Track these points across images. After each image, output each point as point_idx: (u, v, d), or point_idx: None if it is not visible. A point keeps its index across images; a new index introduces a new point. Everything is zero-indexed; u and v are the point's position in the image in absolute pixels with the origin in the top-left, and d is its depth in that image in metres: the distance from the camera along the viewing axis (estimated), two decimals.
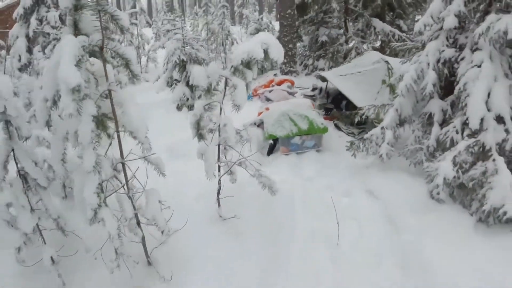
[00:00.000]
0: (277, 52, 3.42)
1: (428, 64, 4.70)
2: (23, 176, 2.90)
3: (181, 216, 3.54)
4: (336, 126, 6.96)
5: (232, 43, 11.21)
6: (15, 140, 2.78)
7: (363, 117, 5.88)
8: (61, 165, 2.67)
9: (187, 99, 7.04)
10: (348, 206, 4.43)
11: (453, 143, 4.19)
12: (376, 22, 8.65)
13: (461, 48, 4.57)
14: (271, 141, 6.11)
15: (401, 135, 5.27)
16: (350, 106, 6.97)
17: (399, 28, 8.85)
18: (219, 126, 3.52)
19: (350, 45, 8.74)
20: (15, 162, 2.87)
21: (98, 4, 2.19)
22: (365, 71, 6.80)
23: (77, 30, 2.39)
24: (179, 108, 7.36)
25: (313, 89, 8.43)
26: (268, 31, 8.83)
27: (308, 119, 5.98)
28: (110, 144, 2.60)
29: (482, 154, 3.89)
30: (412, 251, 3.53)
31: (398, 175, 4.79)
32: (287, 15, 8.81)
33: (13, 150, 2.78)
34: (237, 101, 3.32)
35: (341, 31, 9.01)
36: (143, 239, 3.17)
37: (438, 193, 4.05)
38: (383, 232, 3.97)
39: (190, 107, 7.03)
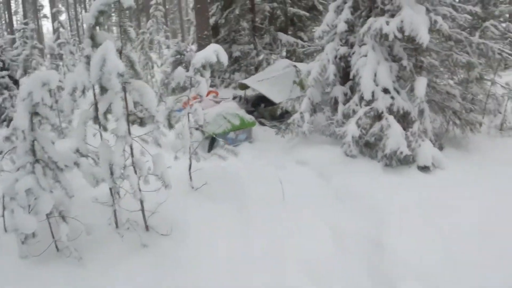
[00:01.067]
0: (224, 57, 4.53)
1: (329, 60, 6.18)
2: (44, 161, 3.52)
3: (161, 193, 4.35)
4: (261, 123, 8.20)
5: (152, 67, 12.06)
6: (37, 130, 3.43)
7: (283, 109, 7.27)
8: (83, 143, 3.45)
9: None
10: (285, 174, 5.53)
11: (355, 113, 5.64)
12: (281, 35, 10.26)
13: (351, 45, 6.12)
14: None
15: (314, 121, 6.69)
16: (268, 106, 8.35)
17: (301, 39, 10.54)
18: (188, 113, 4.51)
19: (260, 57, 10.19)
20: (33, 151, 3.46)
21: (120, 21, 3.11)
22: (278, 75, 8.21)
23: (94, 41, 3.27)
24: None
25: (234, 98, 9.64)
26: (187, 52, 9.91)
27: (238, 116, 7.13)
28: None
29: (377, 116, 5.39)
30: (342, 189, 4.78)
31: (319, 147, 6.13)
32: (204, 36, 9.99)
33: (34, 139, 3.42)
34: (201, 92, 4.38)
35: (252, 46, 10.46)
36: (142, 204, 3.97)
37: (350, 150, 5.45)
38: (316, 183, 5.20)
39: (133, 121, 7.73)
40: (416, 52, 5.69)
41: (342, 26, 5.96)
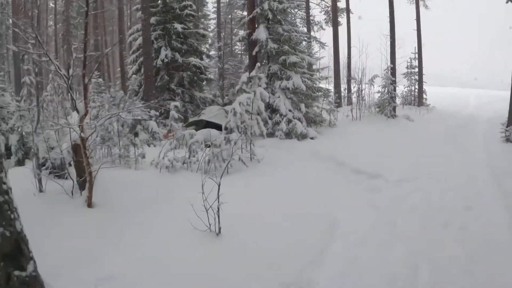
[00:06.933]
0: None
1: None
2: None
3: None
4: None
5: None
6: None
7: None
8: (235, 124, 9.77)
9: None
10: (261, 151, 12.45)
11: (279, 122, 13.06)
12: (195, 92, 17.10)
13: (272, 93, 13.62)
14: None
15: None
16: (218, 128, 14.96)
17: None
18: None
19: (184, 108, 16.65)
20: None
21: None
22: (218, 114, 14.97)
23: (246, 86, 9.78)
24: None
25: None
26: None
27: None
28: None
29: (289, 121, 12.95)
30: (288, 150, 12.05)
31: (265, 139, 13.22)
32: (151, 95, 15.86)
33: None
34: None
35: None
36: (251, 144, 10.33)
37: (282, 136, 12.79)
38: (276, 151, 12.28)
39: None
40: (298, 94, 13.64)
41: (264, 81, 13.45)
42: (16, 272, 3.51)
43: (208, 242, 5.06)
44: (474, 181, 8.41)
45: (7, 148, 10.28)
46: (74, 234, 5.34)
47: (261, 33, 13.43)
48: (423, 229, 5.96)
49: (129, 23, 33.25)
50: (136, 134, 13.34)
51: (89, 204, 6.19)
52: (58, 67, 5.38)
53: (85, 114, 5.90)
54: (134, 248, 4.96)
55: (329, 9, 26.81)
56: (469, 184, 8.14)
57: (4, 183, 3.34)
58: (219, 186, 5.15)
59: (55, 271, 4.24)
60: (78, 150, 6.69)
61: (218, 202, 5.05)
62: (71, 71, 5.60)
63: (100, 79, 26.82)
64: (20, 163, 10.17)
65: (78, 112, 5.81)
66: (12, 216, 3.41)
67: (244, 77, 9.72)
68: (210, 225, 5.18)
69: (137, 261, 4.65)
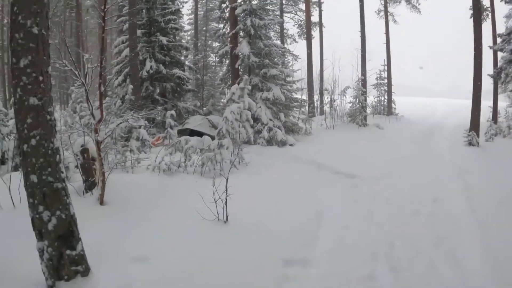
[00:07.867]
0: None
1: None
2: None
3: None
4: None
5: None
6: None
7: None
8: (230, 126, 10.58)
9: None
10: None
11: (261, 131, 13.96)
12: (179, 103, 17.81)
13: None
14: None
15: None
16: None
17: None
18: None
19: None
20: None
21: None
22: (202, 123, 15.72)
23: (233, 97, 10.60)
24: None
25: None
26: None
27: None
28: None
29: (270, 129, 13.87)
30: (270, 155, 12.93)
31: (248, 147, 14.06)
32: (138, 104, 16.51)
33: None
34: None
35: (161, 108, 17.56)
36: (239, 150, 11.13)
37: (263, 143, 13.70)
38: (257, 157, 13.15)
39: None
40: (278, 104, 14.60)
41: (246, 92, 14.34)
42: (68, 251, 4.19)
43: (218, 228, 5.84)
44: (440, 178, 9.53)
45: (2, 154, 10.61)
46: (93, 226, 5.96)
47: (244, 47, 14.37)
48: (397, 216, 6.94)
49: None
50: (127, 140, 13.88)
51: (101, 202, 6.83)
52: (79, 76, 6.05)
53: (101, 119, 6.58)
54: (152, 235, 5.67)
55: (302, 23, 28.14)
56: (435, 181, 9.25)
57: (62, 172, 4.04)
58: (227, 179, 5.97)
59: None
60: (86, 153, 7.36)
61: (226, 193, 5.86)
62: (88, 80, 6.28)
63: (82, 89, 27.18)
64: (16, 168, 10.53)
65: (94, 117, 6.48)
66: (68, 201, 4.11)
67: (234, 88, 10.62)
68: (218, 214, 5.96)
69: (157, 245, 5.36)
